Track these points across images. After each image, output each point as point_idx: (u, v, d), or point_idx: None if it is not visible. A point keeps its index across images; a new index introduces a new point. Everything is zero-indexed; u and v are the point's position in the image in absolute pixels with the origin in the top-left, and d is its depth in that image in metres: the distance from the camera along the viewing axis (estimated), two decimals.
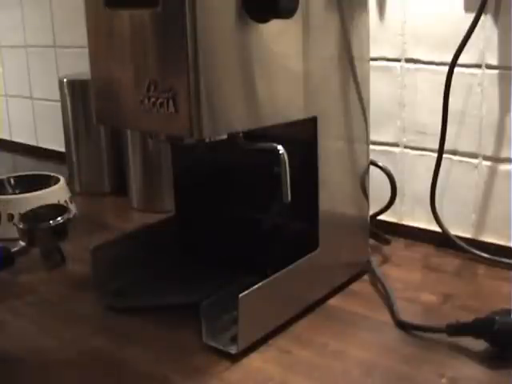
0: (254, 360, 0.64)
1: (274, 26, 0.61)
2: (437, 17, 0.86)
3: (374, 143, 0.92)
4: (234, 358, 0.64)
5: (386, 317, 0.71)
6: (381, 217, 0.90)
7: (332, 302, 0.75)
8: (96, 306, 0.75)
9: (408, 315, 0.70)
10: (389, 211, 0.88)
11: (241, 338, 0.63)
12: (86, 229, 1.00)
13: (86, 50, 0.66)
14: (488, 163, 0.86)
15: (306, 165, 0.71)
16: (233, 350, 0.64)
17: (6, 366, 0.65)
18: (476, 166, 0.87)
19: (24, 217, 0.89)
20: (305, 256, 0.71)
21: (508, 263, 0.83)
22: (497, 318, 0.62)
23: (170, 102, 0.58)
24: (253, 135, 0.66)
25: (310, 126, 0.70)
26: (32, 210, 0.90)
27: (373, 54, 0.82)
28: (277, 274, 0.68)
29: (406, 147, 0.93)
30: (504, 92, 0.82)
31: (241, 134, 0.66)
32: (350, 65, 0.74)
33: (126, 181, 1.13)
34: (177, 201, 0.86)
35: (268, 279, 0.66)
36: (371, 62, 0.80)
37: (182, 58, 0.57)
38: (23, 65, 1.49)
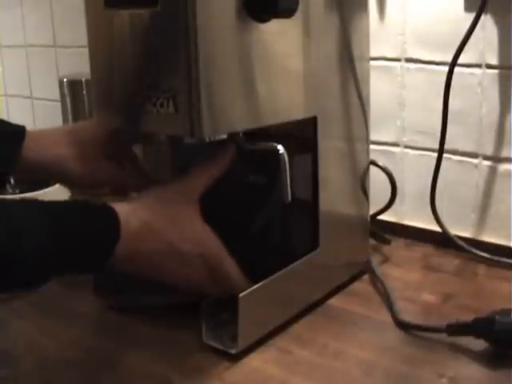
0: (254, 360, 0.64)
1: (274, 25, 0.61)
2: (437, 17, 0.86)
3: (374, 143, 0.92)
4: (234, 358, 0.64)
5: (386, 317, 0.71)
6: (381, 217, 0.90)
7: (332, 301, 0.75)
8: (95, 305, 0.75)
9: (408, 315, 0.70)
10: (389, 211, 0.88)
11: (241, 338, 0.63)
12: None
13: (86, 50, 0.66)
14: (488, 163, 0.86)
15: (305, 165, 0.71)
16: (233, 349, 0.64)
17: (5, 366, 0.65)
18: (476, 166, 0.87)
19: None
20: (305, 256, 0.71)
21: (508, 263, 0.83)
22: (497, 317, 0.62)
23: (170, 102, 0.58)
24: (253, 135, 0.66)
25: (309, 125, 0.70)
26: None
27: (373, 54, 0.82)
28: (277, 274, 0.68)
29: (406, 147, 0.93)
30: (504, 92, 0.82)
31: (241, 134, 0.66)
32: (350, 65, 0.74)
33: None
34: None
35: (268, 279, 0.66)
36: (371, 62, 0.80)
37: (181, 58, 0.56)
38: (23, 65, 1.49)
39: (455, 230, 0.89)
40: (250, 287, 0.65)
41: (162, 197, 0.63)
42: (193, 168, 0.65)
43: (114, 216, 0.58)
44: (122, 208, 0.59)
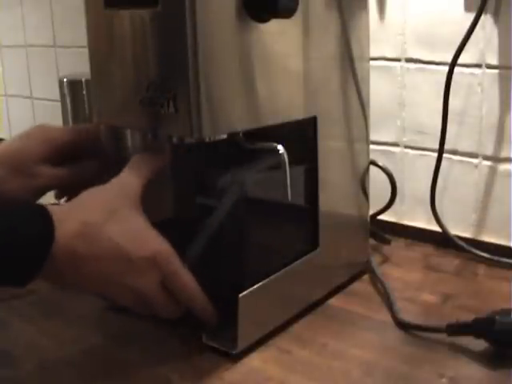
0: (254, 360, 0.64)
1: (274, 25, 0.61)
2: (437, 16, 0.86)
3: (374, 143, 0.92)
4: (234, 358, 0.64)
5: (386, 317, 0.71)
6: (381, 217, 0.90)
7: (332, 301, 0.75)
8: (95, 306, 0.75)
9: (408, 315, 0.70)
10: (389, 211, 0.88)
11: (241, 338, 0.63)
12: None
13: (86, 50, 0.66)
14: (488, 163, 0.86)
15: (306, 165, 0.71)
16: (233, 350, 0.64)
17: (6, 366, 0.65)
18: (476, 166, 0.87)
19: None
20: (305, 256, 0.71)
21: (508, 263, 0.83)
22: (497, 317, 0.62)
23: (170, 102, 0.58)
24: (253, 135, 0.66)
25: (309, 125, 0.70)
26: None
27: (373, 54, 0.82)
28: (277, 274, 0.68)
29: (406, 147, 0.93)
30: (504, 92, 0.82)
31: (241, 134, 0.66)
32: (349, 65, 0.74)
33: None
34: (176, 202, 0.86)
35: (268, 279, 0.66)
36: (371, 62, 0.80)
37: (181, 58, 0.56)
38: (23, 65, 1.49)
39: (455, 230, 0.89)
40: (206, 301, 0.63)
41: (98, 197, 0.59)
42: (126, 168, 0.62)
43: (46, 216, 0.54)
44: (56, 209, 0.55)
